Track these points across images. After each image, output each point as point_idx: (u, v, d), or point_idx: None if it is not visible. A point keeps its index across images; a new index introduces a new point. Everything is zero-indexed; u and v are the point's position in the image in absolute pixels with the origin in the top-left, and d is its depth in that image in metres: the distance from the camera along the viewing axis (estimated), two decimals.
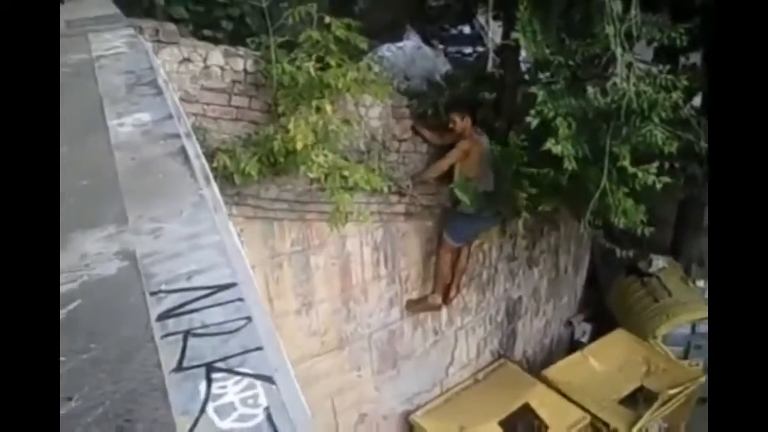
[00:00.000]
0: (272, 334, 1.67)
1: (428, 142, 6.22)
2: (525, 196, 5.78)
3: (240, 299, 1.60)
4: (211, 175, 2.25)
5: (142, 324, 1.52)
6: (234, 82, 5.06)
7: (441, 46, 9.71)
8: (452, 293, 7.01)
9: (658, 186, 5.32)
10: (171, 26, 4.87)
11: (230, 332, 1.51)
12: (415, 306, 6.98)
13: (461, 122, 6.07)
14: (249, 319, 1.55)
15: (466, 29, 11.50)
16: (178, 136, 2.35)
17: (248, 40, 5.29)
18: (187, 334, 1.50)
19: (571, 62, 5.60)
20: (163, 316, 1.54)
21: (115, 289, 1.63)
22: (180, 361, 1.43)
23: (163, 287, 1.62)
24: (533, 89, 5.49)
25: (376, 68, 5.61)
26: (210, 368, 1.41)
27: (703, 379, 8.35)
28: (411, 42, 7.11)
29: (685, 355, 8.92)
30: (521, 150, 5.73)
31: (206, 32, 5.76)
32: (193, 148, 2.35)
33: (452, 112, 6.12)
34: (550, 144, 5.26)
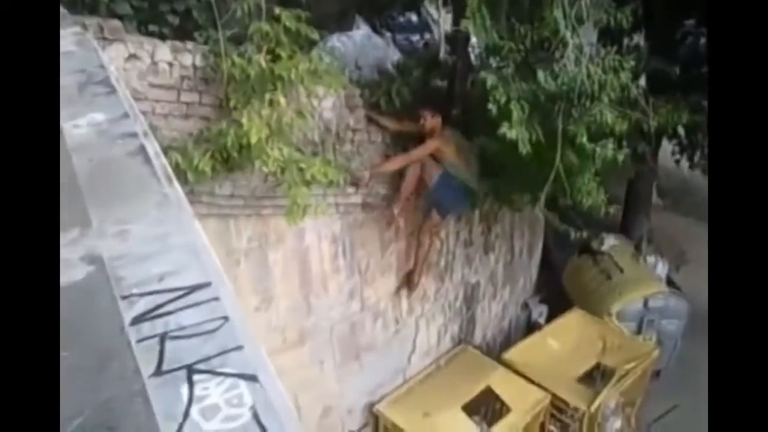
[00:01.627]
0: (249, 331, 1.65)
1: (385, 128, 6.20)
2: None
3: (215, 299, 1.58)
4: (172, 174, 2.19)
5: (116, 329, 1.48)
6: (183, 77, 4.94)
7: (389, 35, 9.69)
8: (416, 278, 7.09)
9: (620, 158, 5.42)
10: (116, 23, 4.71)
11: (208, 332, 1.48)
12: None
13: (431, 120, 6.11)
14: (226, 318, 1.53)
15: (414, 17, 11.50)
16: (135, 135, 2.29)
17: (196, 34, 5.18)
18: (163, 337, 1.46)
19: (521, 47, 5.64)
20: (137, 320, 1.51)
21: (84, 295, 1.58)
22: (159, 365, 1.40)
23: (135, 290, 1.58)
24: (483, 75, 5.52)
25: (328, 59, 5.57)
26: (191, 370, 1.39)
27: (656, 353, 8.62)
28: (361, 31, 7.06)
29: (638, 331, 9.16)
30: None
31: (152, 27, 5.60)
32: (153, 147, 2.29)
33: (424, 108, 6.15)
34: (504, 128, 5.31)
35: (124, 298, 1.56)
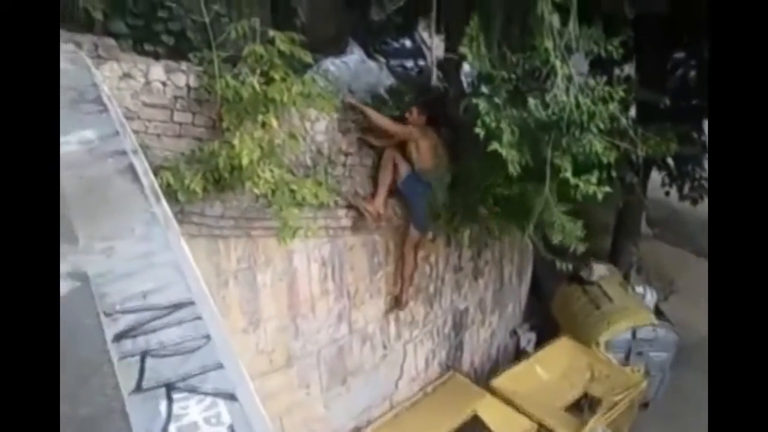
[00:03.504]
0: (231, 351, 1.65)
1: (376, 147, 6.32)
2: (487, 213, 5.85)
3: (198, 317, 1.58)
4: (160, 192, 2.19)
5: (98, 346, 1.48)
6: (176, 97, 4.97)
7: (383, 60, 9.77)
8: (403, 297, 7.13)
9: (599, 196, 5.47)
10: (110, 41, 4.76)
11: (189, 351, 1.49)
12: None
13: (417, 116, 6.28)
14: (208, 337, 1.53)
15: (408, 43, 11.60)
16: (125, 153, 2.30)
17: (190, 54, 5.21)
18: (144, 354, 1.47)
19: (512, 75, 5.71)
20: (120, 337, 1.51)
21: (67, 311, 1.58)
22: (139, 383, 1.40)
23: (118, 307, 1.58)
24: (475, 101, 5.57)
25: (321, 82, 5.61)
26: (170, 388, 1.39)
27: (644, 384, 8.61)
28: (355, 56, 7.12)
29: (627, 361, 9.14)
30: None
31: (147, 47, 5.64)
32: (142, 165, 2.30)
33: (415, 106, 6.35)
34: (495, 145, 5.34)
35: (107, 315, 1.57)
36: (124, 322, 1.54)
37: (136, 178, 2.16)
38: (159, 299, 1.60)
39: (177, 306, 1.59)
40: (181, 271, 1.73)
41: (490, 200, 5.88)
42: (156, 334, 1.52)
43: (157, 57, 5.28)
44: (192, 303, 1.61)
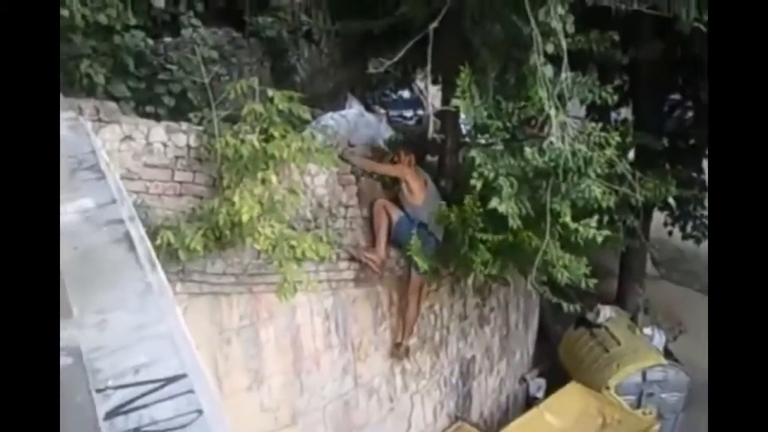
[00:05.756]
0: (223, 424, 1.64)
1: (361, 169, 6.43)
2: (480, 261, 5.83)
3: (190, 391, 1.57)
4: (156, 260, 2.21)
5: (90, 424, 1.47)
6: (177, 157, 5.04)
7: (382, 111, 9.91)
8: (403, 342, 7.06)
9: (599, 240, 5.47)
10: (112, 105, 4.85)
11: (181, 427, 1.47)
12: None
13: (405, 157, 6.44)
14: (200, 412, 1.52)
15: (406, 94, 11.80)
16: (121, 221, 2.32)
17: (191, 114, 5.30)
18: None
19: (508, 124, 5.78)
20: (112, 414, 1.49)
21: (60, 388, 1.57)
22: None
23: (110, 383, 1.58)
24: (472, 153, 5.62)
25: (320, 137, 5.69)
26: None
27: (657, 427, 8.45)
28: (354, 110, 7.24)
29: (638, 404, 9.00)
30: (477, 216, 5.80)
31: (148, 108, 5.75)
32: (138, 232, 2.32)
33: (400, 148, 6.55)
34: (495, 203, 5.37)
35: (99, 391, 1.56)
36: (116, 398, 1.53)
37: (131, 246, 2.17)
38: (151, 373, 1.60)
39: (170, 380, 1.58)
40: (175, 343, 1.73)
41: (482, 249, 5.85)
42: (148, 410, 1.51)
43: (158, 118, 5.38)
44: (184, 376, 1.60)
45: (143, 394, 1.55)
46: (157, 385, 1.57)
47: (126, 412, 1.50)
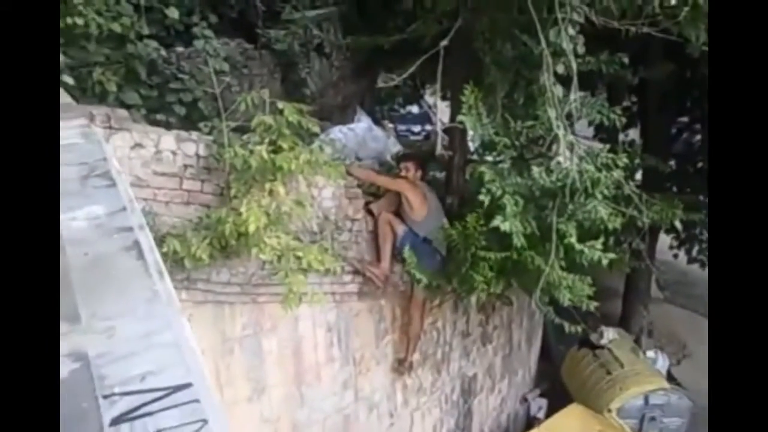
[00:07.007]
0: None
1: (362, 181, 6.39)
2: (482, 279, 5.83)
3: (196, 400, 1.57)
4: (164, 268, 2.22)
5: (95, 430, 1.47)
6: (186, 166, 5.06)
7: (391, 125, 9.96)
8: (407, 357, 7.04)
9: (604, 262, 5.46)
10: (123, 112, 4.87)
11: None
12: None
13: (412, 171, 6.40)
14: (205, 421, 1.52)
15: (415, 109, 11.86)
16: (131, 229, 2.34)
17: (201, 124, 5.34)
18: None
19: (516, 142, 5.80)
20: (117, 421, 1.50)
21: (66, 393, 1.58)
22: None
23: (117, 390, 1.58)
24: (481, 169, 5.64)
25: (328, 150, 5.71)
26: None
27: None
28: (362, 124, 7.26)
29: (640, 428, 8.95)
30: (479, 234, 5.81)
31: (159, 117, 5.79)
32: (147, 241, 2.33)
33: (407, 160, 6.50)
34: (498, 221, 5.38)
35: (105, 397, 1.57)
36: (122, 405, 1.54)
37: (140, 255, 2.18)
38: (157, 381, 1.60)
39: (175, 389, 1.59)
40: (180, 351, 1.74)
41: (484, 267, 5.84)
42: (153, 418, 1.51)
43: (168, 126, 5.40)
44: (190, 385, 1.61)
45: (149, 402, 1.55)
46: (162, 393, 1.58)
47: (131, 419, 1.51)
